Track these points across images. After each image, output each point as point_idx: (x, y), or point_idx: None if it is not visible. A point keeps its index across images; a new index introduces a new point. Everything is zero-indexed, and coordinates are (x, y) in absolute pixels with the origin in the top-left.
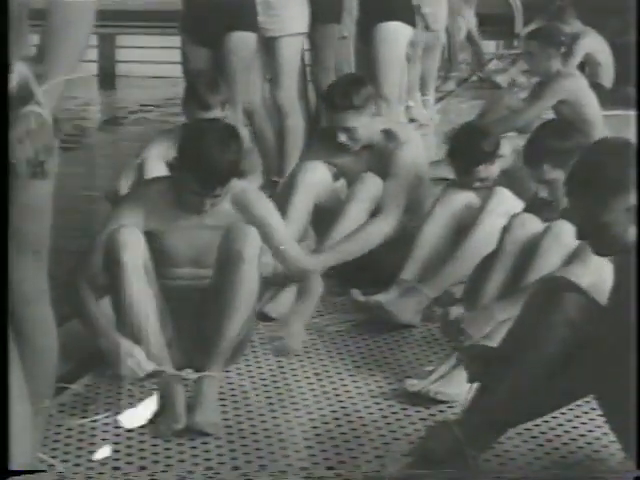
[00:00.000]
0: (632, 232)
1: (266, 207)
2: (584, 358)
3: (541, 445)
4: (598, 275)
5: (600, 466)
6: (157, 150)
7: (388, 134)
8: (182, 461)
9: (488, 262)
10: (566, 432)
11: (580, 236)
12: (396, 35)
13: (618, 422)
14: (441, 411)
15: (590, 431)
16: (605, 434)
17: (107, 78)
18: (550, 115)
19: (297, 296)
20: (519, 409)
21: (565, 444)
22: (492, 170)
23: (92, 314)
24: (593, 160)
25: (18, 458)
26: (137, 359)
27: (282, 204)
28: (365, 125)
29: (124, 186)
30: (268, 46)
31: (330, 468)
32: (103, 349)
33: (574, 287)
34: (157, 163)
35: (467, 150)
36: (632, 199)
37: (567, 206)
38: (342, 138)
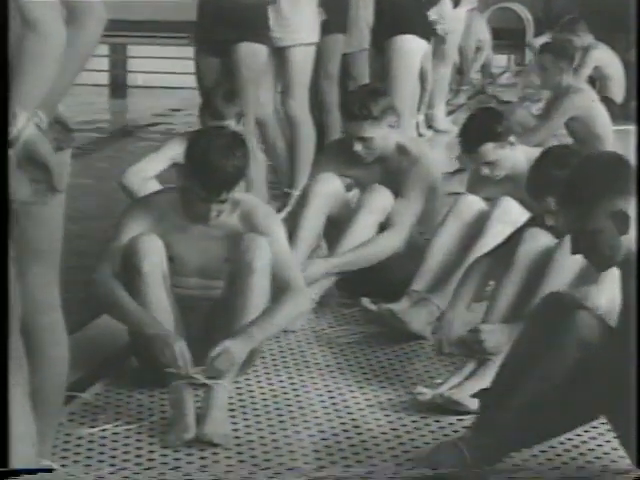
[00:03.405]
0: (624, 240)
1: (272, 226)
2: (594, 377)
3: (546, 454)
4: (611, 297)
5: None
6: (167, 154)
7: (401, 149)
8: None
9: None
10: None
11: (574, 249)
12: (410, 48)
13: (628, 438)
14: (451, 423)
15: (600, 445)
16: (615, 449)
17: (118, 87)
18: (562, 132)
19: (268, 308)
20: (528, 430)
21: (574, 458)
22: (500, 155)
23: (132, 307)
24: (578, 171)
25: (20, 459)
26: (178, 351)
27: (296, 216)
28: (382, 136)
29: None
30: (280, 56)
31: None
32: (148, 337)
33: (583, 305)
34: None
35: (477, 126)
36: (617, 204)
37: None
38: (358, 148)
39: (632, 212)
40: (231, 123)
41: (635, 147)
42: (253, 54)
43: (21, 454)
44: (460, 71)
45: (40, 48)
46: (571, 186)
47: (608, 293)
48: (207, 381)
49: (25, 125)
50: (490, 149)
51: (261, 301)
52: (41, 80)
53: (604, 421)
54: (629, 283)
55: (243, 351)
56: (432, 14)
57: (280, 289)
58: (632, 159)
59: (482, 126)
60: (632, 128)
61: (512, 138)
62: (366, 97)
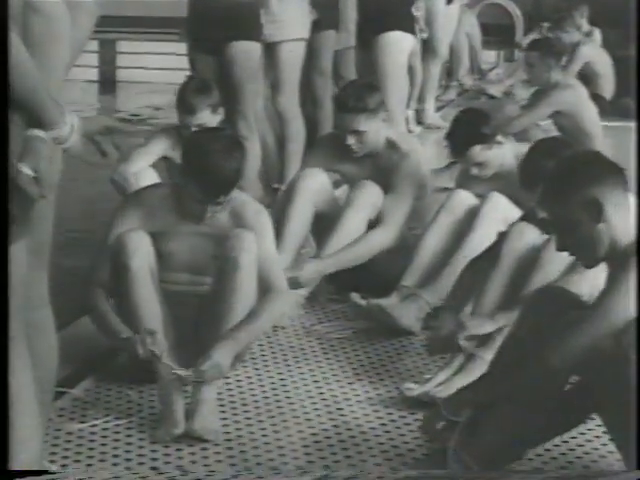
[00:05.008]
0: (605, 231)
1: (261, 224)
2: (588, 375)
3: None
4: (595, 284)
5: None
6: (155, 148)
7: (391, 144)
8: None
9: (485, 272)
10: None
11: (559, 246)
12: (398, 44)
13: (621, 436)
14: None
15: (589, 441)
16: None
17: (107, 83)
18: (550, 128)
19: (252, 311)
20: (524, 429)
21: (563, 454)
22: (489, 156)
23: (108, 317)
24: (553, 168)
25: (21, 459)
26: (151, 341)
27: (282, 212)
28: (375, 130)
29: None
30: (269, 52)
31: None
32: (120, 348)
33: (577, 302)
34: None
35: (463, 128)
36: (590, 194)
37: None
38: (351, 141)
39: (607, 201)
40: (204, 115)
41: (636, 145)
42: (247, 52)
43: (27, 456)
44: (449, 67)
45: (48, 29)
46: (547, 182)
47: (591, 281)
48: (196, 379)
49: (71, 118)
50: (478, 151)
51: (248, 296)
52: (58, 61)
53: (599, 423)
54: (618, 278)
55: (229, 357)
56: (416, 10)
57: (262, 289)
58: (630, 156)
59: (468, 129)
60: (621, 125)
61: (499, 137)
62: (362, 90)
